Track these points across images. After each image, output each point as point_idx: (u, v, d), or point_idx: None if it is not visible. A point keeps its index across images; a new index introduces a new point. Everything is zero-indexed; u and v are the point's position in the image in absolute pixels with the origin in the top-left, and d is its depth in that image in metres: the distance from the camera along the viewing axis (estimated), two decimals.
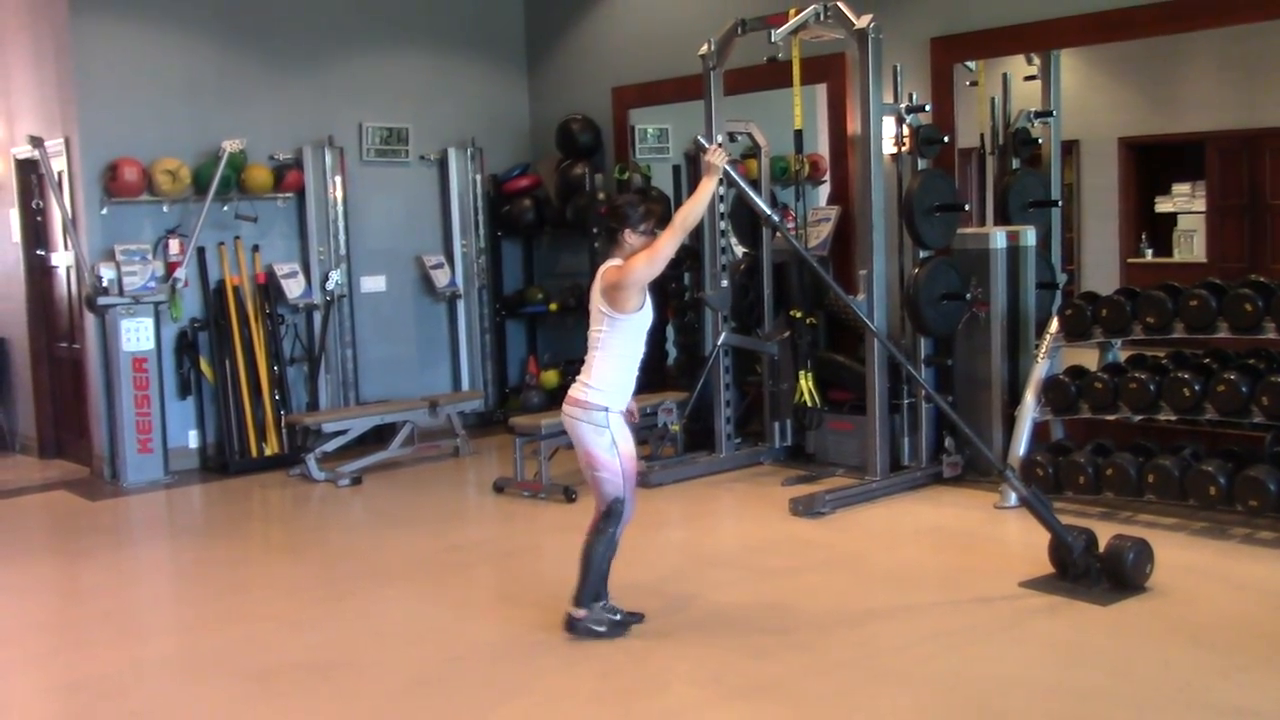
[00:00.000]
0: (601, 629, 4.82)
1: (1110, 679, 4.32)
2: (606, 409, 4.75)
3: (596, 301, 4.79)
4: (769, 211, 5.35)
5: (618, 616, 4.90)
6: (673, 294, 8.75)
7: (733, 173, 4.97)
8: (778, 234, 8.13)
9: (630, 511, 4.86)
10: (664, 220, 4.82)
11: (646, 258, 4.66)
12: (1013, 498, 6.26)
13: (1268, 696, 4.12)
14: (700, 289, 8.11)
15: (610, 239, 4.82)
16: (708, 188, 4.81)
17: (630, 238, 4.75)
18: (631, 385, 4.86)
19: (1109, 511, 6.33)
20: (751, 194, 5.51)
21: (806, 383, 7.35)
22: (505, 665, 4.70)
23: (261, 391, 8.64)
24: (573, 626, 4.83)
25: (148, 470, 8.20)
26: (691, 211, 4.71)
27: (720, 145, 4.84)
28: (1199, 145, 8.07)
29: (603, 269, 4.79)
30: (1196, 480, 5.87)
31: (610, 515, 4.81)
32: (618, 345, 4.78)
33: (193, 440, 8.67)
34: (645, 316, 4.80)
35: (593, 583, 4.82)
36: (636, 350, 4.84)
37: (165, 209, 8.44)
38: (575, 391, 4.82)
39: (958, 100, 7.62)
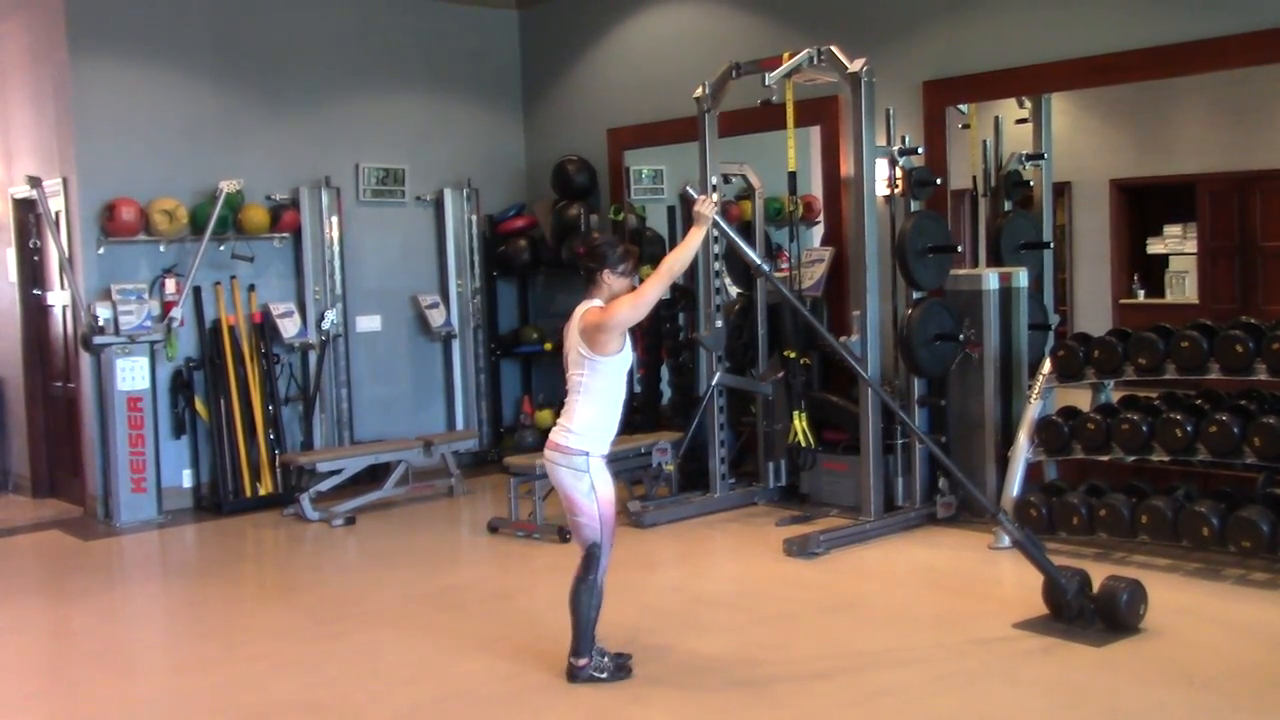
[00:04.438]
0: (603, 675, 4.80)
1: None
2: (587, 453, 4.71)
3: (575, 344, 4.72)
4: (759, 261, 5.38)
5: (605, 659, 4.86)
6: (667, 334, 8.79)
7: (722, 223, 4.97)
8: None
9: (606, 558, 4.81)
10: (653, 258, 4.81)
11: (630, 302, 4.63)
12: (1006, 539, 6.26)
13: None
14: (695, 329, 8.14)
15: (589, 279, 4.78)
16: (696, 236, 4.79)
17: (609, 278, 4.73)
18: (614, 429, 4.82)
19: (1103, 552, 6.33)
20: (742, 244, 5.50)
21: (801, 423, 7.36)
22: (498, 706, 4.68)
23: (256, 431, 8.63)
24: (574, 676, 4.80)
25: (141, 510, 8.18)
26: (679, 259, 4.70)
27: (710, 196, 4.83)
28: (1190, 187, 8.12)
29: (581, 310, 4.74)
30: (1190, 521, 5.87)
31: (588, 561, 4.78)
32: (599, 388, 4.72)
33: (187, 480, 8.66)
34: (626, 358, 4.77)
35: (584, 631, 4.78)
36: (619, 392, 4.80)
37: (162, 249, 8.47)
38: (556, 435, 4.77)
39: (950, 143, 7.68)
